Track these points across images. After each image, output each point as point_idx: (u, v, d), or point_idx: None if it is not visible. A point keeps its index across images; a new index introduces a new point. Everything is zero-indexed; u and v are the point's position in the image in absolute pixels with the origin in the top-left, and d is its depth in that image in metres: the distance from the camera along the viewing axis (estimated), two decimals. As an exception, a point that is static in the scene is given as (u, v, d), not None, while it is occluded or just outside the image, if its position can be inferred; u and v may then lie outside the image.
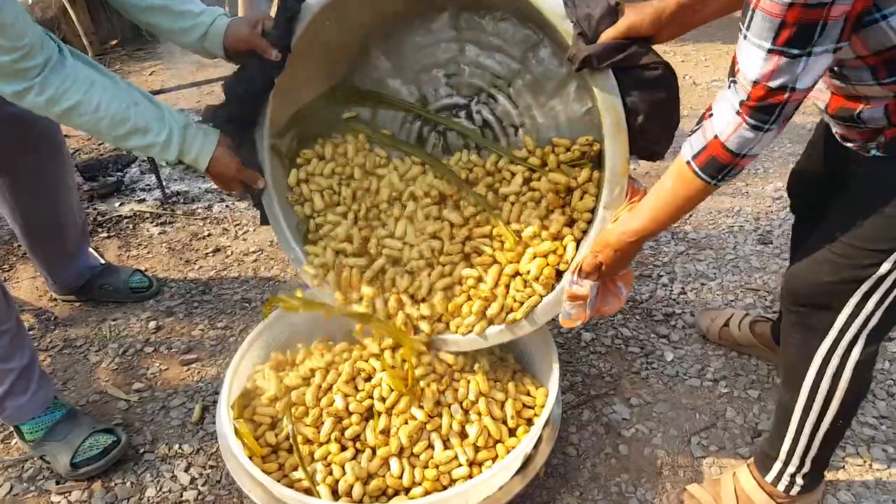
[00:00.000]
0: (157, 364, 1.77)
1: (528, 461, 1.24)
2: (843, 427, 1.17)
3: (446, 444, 1.26)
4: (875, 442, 1.48)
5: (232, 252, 2.27)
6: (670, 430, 1.53)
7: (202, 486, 1.42)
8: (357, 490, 1.20)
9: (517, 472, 1.22)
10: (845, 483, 1.39)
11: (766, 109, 0.87)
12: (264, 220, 1.47)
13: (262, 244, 2.31)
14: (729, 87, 0.91)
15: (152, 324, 1.91)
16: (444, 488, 1.22)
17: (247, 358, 1.46)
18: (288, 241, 1.44)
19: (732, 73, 0.89)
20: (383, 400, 1.29)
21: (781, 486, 1.25)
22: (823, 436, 1.17)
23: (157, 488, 1.42)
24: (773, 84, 0.84)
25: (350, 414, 1.29)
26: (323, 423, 1.29)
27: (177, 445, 1.52)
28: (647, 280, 2.04)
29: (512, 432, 1.29)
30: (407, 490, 1.22)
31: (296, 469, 1.26)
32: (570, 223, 1.27)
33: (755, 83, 0.85)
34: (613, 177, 1.13)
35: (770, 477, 1.26)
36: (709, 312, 1.81)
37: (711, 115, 0.95)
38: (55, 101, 1.15)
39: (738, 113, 0.89)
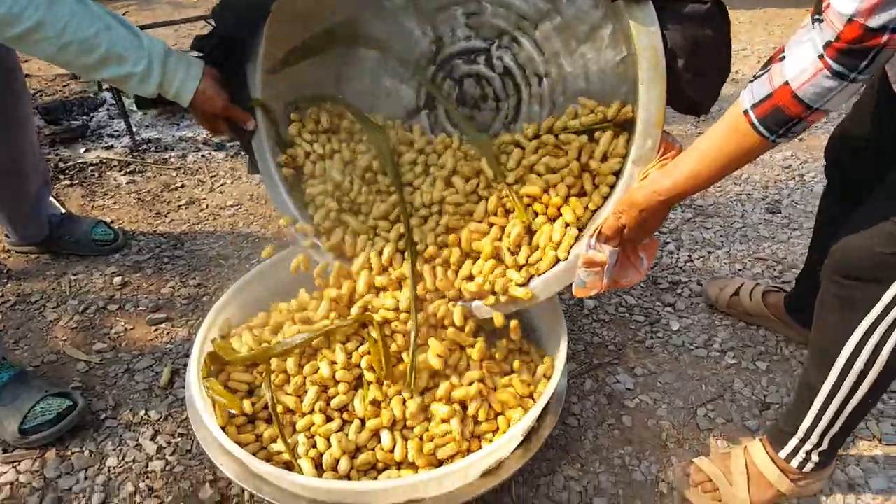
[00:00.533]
0: (122, 323, 1.62)
1: (531, 434, 1.13)
2: (870, 407, 1.08)
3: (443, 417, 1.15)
4: (884, 417, 1.39)
5: (207, 205, 2.12)
6: (676, 402, 1.43)
7: (170, 455, 1.30)
8: (343, 464, 1.08)
9: (519, 446, 1.11)
10: (854, 458, 1.31)
11: (858, 54, 0.73)
12: (253, 168, 1.33)
13: (240, 198, 2.16)
14: (812, 25, 0.77)
15: (117, 279, 1.76)
16: (441, 463, 1.11)
17: (221, 318, 1.32)
18: (280, 192, 1.31)
19: (819, 9, 0.75)
20: (373, 370, 1.16)
21: (795, 463, 1.16)
22: (848, 415, 1.08)
23: (120, 457, 1.29)
24: (873, 23, 0.70)
25: (337, 382, 1.17)
26: (306, 391, 1.17)
27: (142, 411, 1.39)
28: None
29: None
30: (399, 465, 1.11)
31: (275, 441, 1.13)
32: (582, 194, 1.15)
33: (850, 20, 0.71)
34: (647, 127, 0.99)
35: (784, 453, 1.16)
36: (717, 281, 1.71)
37: (783, 57, 0.80)
38: (12, 19, 0.98)
39: (820, 56, 0.75)
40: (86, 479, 1.26)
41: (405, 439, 1.12)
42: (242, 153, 2.44)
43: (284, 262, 1.45)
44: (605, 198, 1.09)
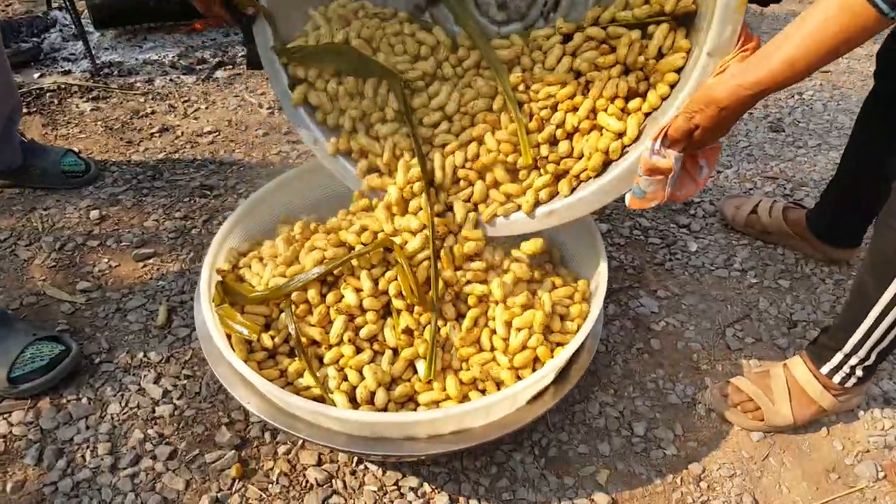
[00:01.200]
0: (106, 260, 1.49)
1: (572, 361, 1.06)
2: None
3: (481, 346, 1.07)
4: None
5: (182, 132, 1.96)
6: (702, 323, 1.39)
7: (178, 399, 1.19)
8: (380, 397, 1.00)
9: (552, 383, 1.04)
10: (887, 372, 1.29)
11: None
12: (254, 63, 1.20)
13: (217, 124, 2.00)
14: None
15: (94, 213, 1.61)
16: (483, 392, 1.04)
17: (225, 247, 1.21)
18: (286, 91, 1.18)
19: None
20: (402, 296, 1.07)
21: (838, 378, 1.13)
22: None
23: (123, 404, 1.19)
24: None
25: (364, 311, 1.08)
26: (331, 321, 1.08)
27: (140, 353, 1.27)
28: (657, 164, 1.86)
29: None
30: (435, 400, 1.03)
31: (301, 375, 1.05)
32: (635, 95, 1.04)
33: None
34: (726, 12, 0.87)
35: (827, 368, 1.13)
36: (733, 199, 1.65)
37: None
38: None
39: None
40: (87, 428, 1.15)
41: (443, 369, 1.04)
42: (216, 71, 2.27)
43: (288, 185, 1.34)
44: (664, 98, 0.99)
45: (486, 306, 1.08)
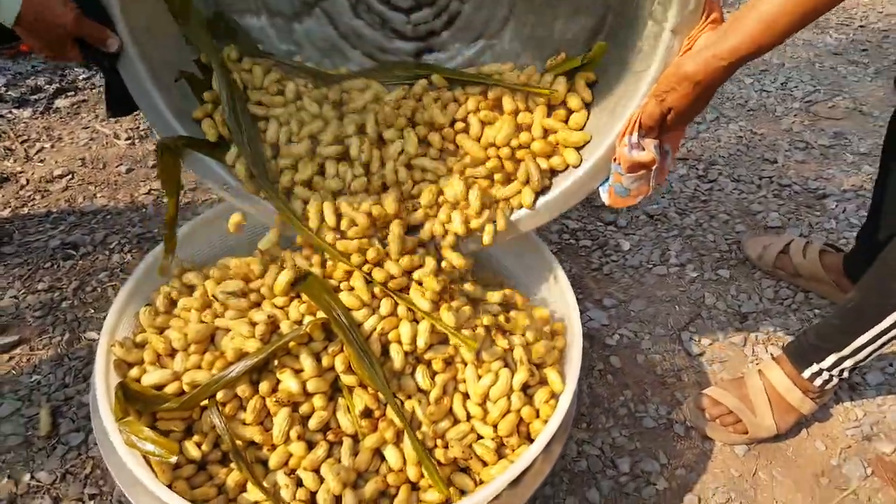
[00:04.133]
0: (-43, 358, 1.20)
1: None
2: None
3: (455, 416, 0.92)
4: None
5: (27, 180, 1.65)
6: (656, 330, 1.32)
7: (84, 529, 0.97)
8: (350, 501, 0.84)
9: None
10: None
11: None
12: (118, 110, 0.98)
13: (69, 164, 1.70)
14: None
15: (-69, 299, 1.31)
16: (465, 470, 0.90)
17: (122, 326, 0.98)
18: (175, 129, 0.97)
19: None
20: (352, 370, 0.91)
21: (819, 381, 1.07)
22: None
23: (12, 548, 0.95)
24: None
25: (309, 396, 0.90)
26: (269, 414, 0.89)
27: (26, 476, 1.02)
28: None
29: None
30: (414, 485, 0.88)
31: (243, 489, 0.86)
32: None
33: None
34: None
35: (810, 372, 1.08)
36: (760, 238, 1.48)
37: None
38: None
39: None
40: (-32, 592, 0.91)
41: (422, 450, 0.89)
42: (56, 99, 1.94)
43: (195, 234, 1.12)
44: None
45: (454, 369, 0.94)
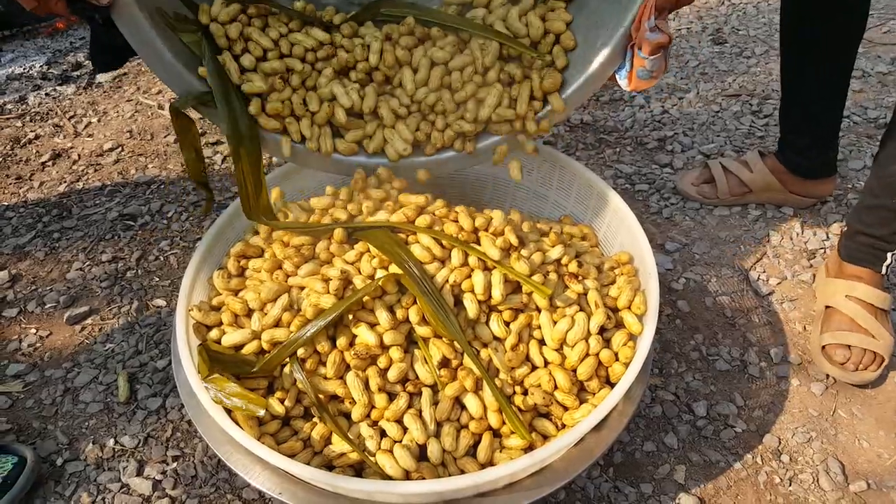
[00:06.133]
0: (33, 331, 1.23)
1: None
2: None
3: (533, 363, 0.92)
4: None
5: (79, 155, 1.66)
6: (722, 272, 1.29)
7: (172, 489, 0.99)
8: (434, 449, 0.84)
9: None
10: None
11: None
12: (104, 65, 0.96)
13: (117, 137, 1.71)
14: None
15: (1, 275, 1.33)
16: (546, 415, 0.89)
17: (197, 290, 0.99)
18: (188, 82, 0.96)
19: None
20: (426, 321, 0.90)
21: (890, 269, 1.12)
22: None
23: (105, 508, 0.97)
24: None
25: (386, 348, 0.90)
26: (349, 368, 0.90)
27: (110, 441, 1.05)
28: (622, 105, 1.73)
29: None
30: (495, 432, 0.88)
31: (328, 442, 0.87)
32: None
33: None
34: None
35: (884, 266, 1.11)
36: (687, 176, 1.46)
37: None
38: None
39: None
40: (69, 549, 0.94)
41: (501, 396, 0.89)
42: (97, 74, 1.95)
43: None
44: None
45: (528, 316, 0.93)
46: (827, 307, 1.13)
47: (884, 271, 1.10)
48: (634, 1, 0.89)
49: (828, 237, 1.34)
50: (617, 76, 0.97)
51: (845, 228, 1.13)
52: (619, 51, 0.94)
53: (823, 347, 1.10)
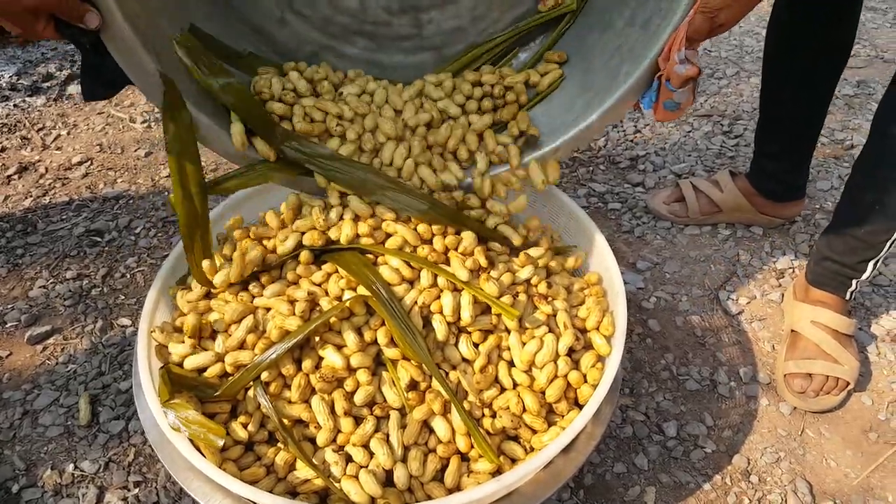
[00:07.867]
0: (-9, 350, 1.20)
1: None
2: None
3: (502, 385, 0.91)
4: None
5: (46, 168, 1.63)
6: (693, 291, 1.30)
7: (133, 514, 0.97)
8: (401, 474, 0.83)
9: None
10: (884, 308, 1.25)
11: None
12: (93, 94, 0.93)
13: (87, 150, 1.69)
14: None
15: (-39, 292, 1.30)
16: (514, 438, 0.88)
17: (160, 311, 0.97)
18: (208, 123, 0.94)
19: None
20: (394, 343, 0.89)
21: (854, 296, 1.13)
22: None
23: (63, 536, 0.95)
24: None
25: (353, 370, 0.89)
26: (314, 392, 0.88)
27: (69, 466, 1.02)
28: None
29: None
30: (463, 456, 0.87)
31: (292, 468, 0.85)
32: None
33: None
34: None
35: (849, 293, 1.11)
36: (659, 195, 1.48)
37: None
38: None
39: None
40: (23, 580, 0.91)
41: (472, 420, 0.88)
42: (69, 85, 1.92)
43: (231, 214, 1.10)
44: None
45: (497, 337, 0.92)
46: (792, 331, 1.14)
47: (848, 297, 1.11)
48: (660, 32, 0.87)
49: (796, 256, 1.35)
50: (641, 104, 0.94)
51: (814, 252, 1.14)
52: (644, 81, 0.92)
53: (785, 376, 1.11)
